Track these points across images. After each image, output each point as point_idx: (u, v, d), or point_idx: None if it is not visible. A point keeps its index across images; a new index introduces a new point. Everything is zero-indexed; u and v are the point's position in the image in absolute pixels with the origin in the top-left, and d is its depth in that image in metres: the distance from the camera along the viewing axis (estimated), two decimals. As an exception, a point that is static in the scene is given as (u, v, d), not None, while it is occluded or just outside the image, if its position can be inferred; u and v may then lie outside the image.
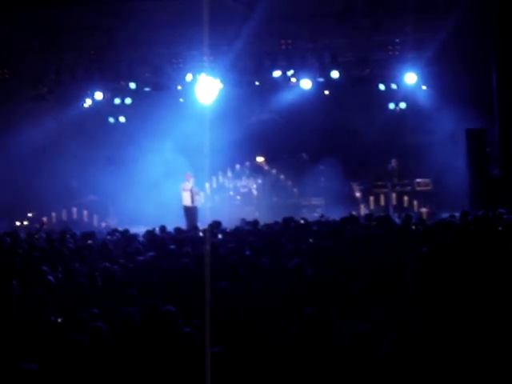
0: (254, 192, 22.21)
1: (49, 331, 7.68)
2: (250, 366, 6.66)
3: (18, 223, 20.57)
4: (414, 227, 13.62)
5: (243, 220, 15.88)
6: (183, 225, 17.72)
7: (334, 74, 20.51)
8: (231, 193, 22.27)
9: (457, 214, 14.68)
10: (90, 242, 14.06)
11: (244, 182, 22.32)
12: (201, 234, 14.71)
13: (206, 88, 20.58)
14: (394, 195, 20.61)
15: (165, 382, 6.64)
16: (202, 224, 17.57)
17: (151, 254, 12.01)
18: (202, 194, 19.99)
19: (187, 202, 19.40)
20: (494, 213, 14.30)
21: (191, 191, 19.41)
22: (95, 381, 6.69)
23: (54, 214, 21.50)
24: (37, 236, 15.69)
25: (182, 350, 6.86)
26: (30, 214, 20.87)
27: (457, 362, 6.08)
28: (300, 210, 20.97)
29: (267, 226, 14.93)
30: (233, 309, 8.15)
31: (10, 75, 20.78)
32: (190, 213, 19.27)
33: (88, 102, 21.92)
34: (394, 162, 20.67)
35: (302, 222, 15.27)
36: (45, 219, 21.01)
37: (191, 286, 9.10)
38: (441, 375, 5.99)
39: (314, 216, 18.93)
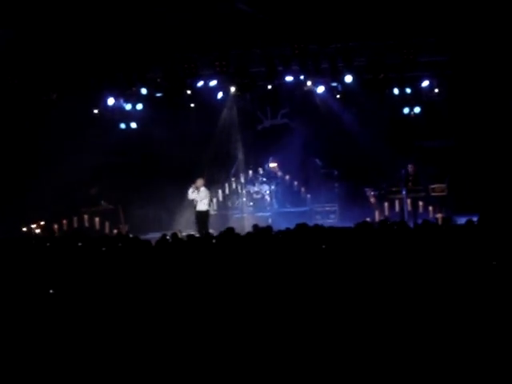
0: (267, 198, 22.05)
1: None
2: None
3: (24, 229, 20.40)
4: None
5: (256, 226, 15.67)
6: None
7: (348, 79, 20.43)
8: (244, 199, 22.13)
9: (474, 219, 14.45)
10: (103, 248, 13.94)
11: (257, 187, 22.18)
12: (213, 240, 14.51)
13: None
14: (408, 201, 20.34)
15: None
16: (215, 230, 17.43)
17: (162, 261, 11.86)
18: (203, 198, 19.54)
19: (196, 207, 19.37)
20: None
21: (197, 196, 19.25)
22: None
23: (65, 221, 21.37)
24: (48, 244, 15.54)
25: None
26: (42, 222, 20.72)
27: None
28: (313, 216, 20.80)
29: (280, 232, 14.71)
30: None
31: (19, 81, 20.63)
32: (198, 218, 19.17)
33: (98, 108, 21.77)
34: (410, 168, 20.36)
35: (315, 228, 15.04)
36: (56, 226, 20.90)
37: (202, 295, 8.92)
38: None
39: (328, 222, 18.74)
